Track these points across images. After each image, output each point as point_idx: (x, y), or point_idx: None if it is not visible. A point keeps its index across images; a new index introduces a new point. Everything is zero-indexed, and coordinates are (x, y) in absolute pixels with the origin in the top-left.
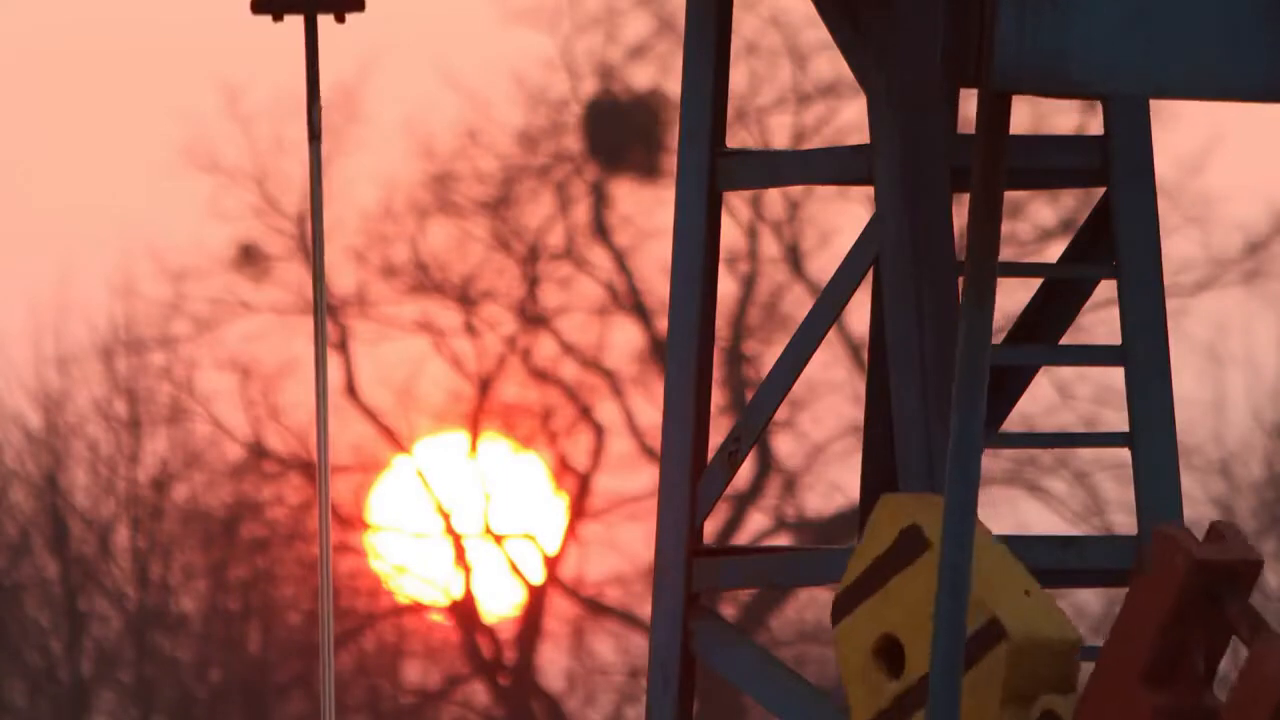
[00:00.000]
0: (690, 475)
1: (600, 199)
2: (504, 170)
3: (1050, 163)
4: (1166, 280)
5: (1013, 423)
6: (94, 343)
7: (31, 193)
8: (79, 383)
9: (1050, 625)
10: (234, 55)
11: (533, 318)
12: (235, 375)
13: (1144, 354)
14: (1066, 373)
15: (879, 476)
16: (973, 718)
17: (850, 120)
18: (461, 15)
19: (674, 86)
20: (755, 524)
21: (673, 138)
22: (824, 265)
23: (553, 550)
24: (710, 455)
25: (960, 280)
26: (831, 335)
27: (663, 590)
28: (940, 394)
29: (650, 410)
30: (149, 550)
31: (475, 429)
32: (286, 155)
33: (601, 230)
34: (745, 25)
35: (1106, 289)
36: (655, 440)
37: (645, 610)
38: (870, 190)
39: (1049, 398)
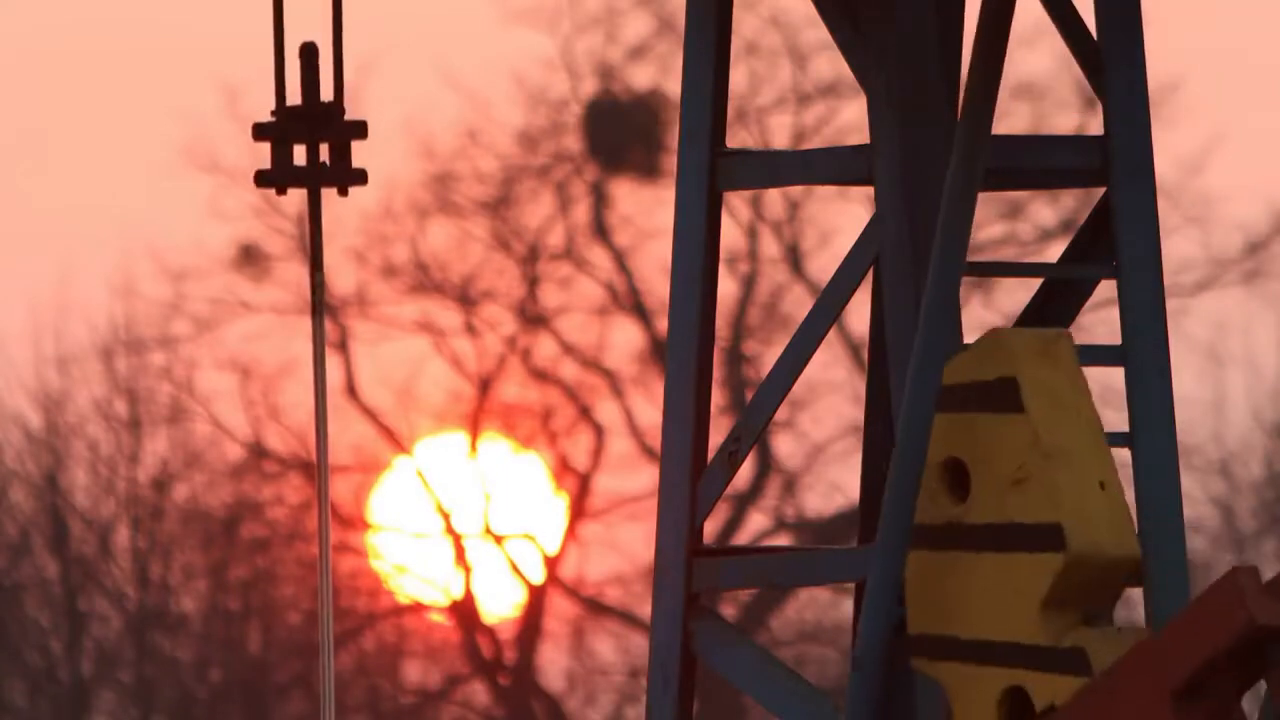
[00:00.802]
0: (690, 475)
1: (600, 199)
2: (504, 170)
3: (1050, 163)
4: (1166, 280)
5: None
6: (94, 343)
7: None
8: (79, 383)
9: (1112, 538)
10: (234, 55)
11: (533, 318)
12: (235, 375)
13: (1144, 354)
14: None
15: (879, 476)
16: (1011, 608)
17: (850, 120)
18: (461, 15)
19: (674, 86)
20: (755, 524)
21: (673, 138)
22: (824, 265)
23: (553, 550)
24: (710, 455)
25: (960, 280)
26: (831, 335)
27: (663, 590)
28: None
29: (650, 410)
30: (149, 550)
31: (475, 429)
32: None
33: (601, 230)
34: (745, 25)
35: (1106, 289)
36: (655, 440)
37: (645, 610)
38: (870, 190)
39: None
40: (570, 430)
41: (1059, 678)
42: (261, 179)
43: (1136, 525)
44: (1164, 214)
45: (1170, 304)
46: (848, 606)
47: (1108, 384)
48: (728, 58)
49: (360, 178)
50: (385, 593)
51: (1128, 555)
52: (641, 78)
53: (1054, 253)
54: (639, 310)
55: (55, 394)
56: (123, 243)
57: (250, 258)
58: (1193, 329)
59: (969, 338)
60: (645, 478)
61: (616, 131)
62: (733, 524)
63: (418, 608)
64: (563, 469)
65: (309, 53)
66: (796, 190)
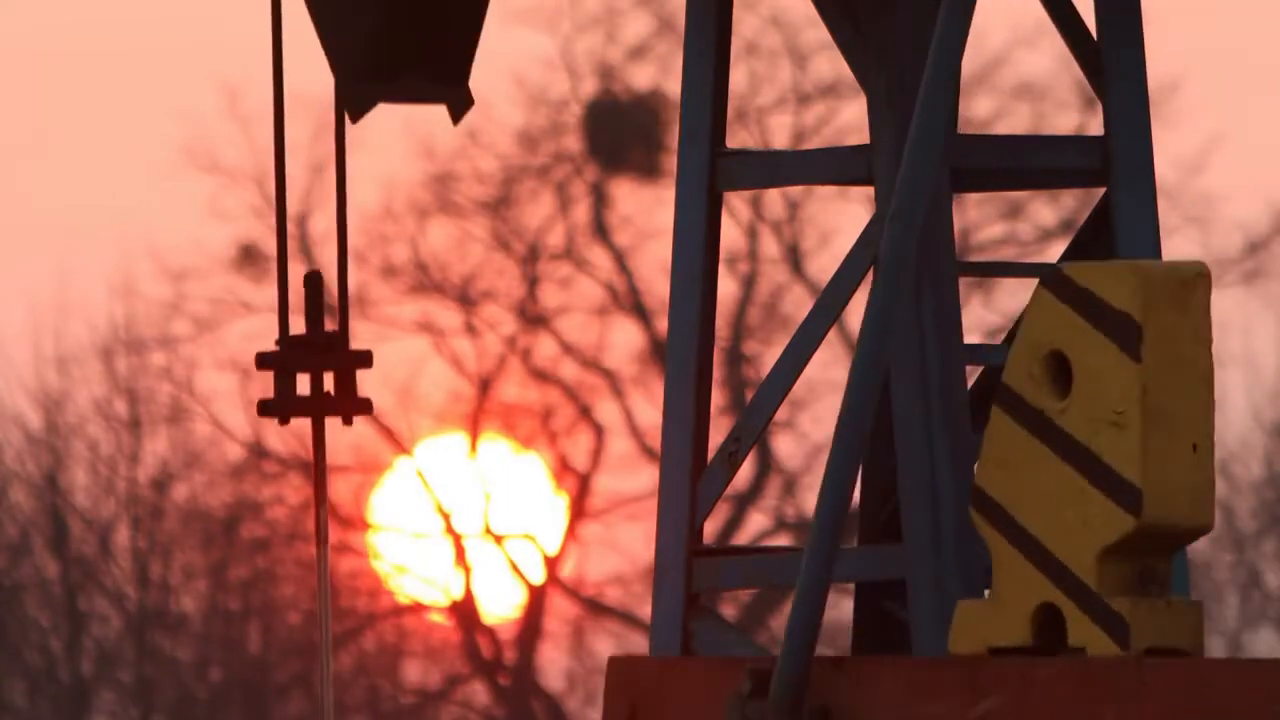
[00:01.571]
0: (690, 475)
1: (600, 199)
2: (504, 170)
3: (1050, 163)
4: None
5: None
6: (94, 343)
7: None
8: (79, 383)
9: (1189, 510)
10: (234, 55)
11: (533, 318)
12: (235, 375)
13: None
14: None
15: (879, 476)
16: (1075, 533)
17: (850, 120)
18: None
19: (674, 86)
20: (755, 524)
21: (673, 138)
22: (824, 265)
23: (553, 550)
24: (710, 455)
25: (960, 280)
26: (831, 335)
27: (663, 590)
28: (941, 395)
29: (650, 410)
30: (149, 550)
31: (475, 429)
32: (287, 155)
33: (601, 230)
34: (745, 25)
35: None
36: (655, 440)
37: (645, 610)
38: (870, 190)
39: None
40: (570, 430)
41: (1098, 632)
42: (264, 408)
43: None
44: (1164, 214)
45: None
46: (847, 606)
47: None
48: (728, 58)
49: (365, 407)
50: (385, 593)
51: (1200, 525)
52: (641, 78)
53: (1054, 253)
54: (639, 310)
55: (55, 394)
56: (123, 243)
57: (250, 258)
58: None
59: (969, 338)
60: (645, 478)
61: (616, 131)
62: (733, 524)
63: (418, 608)
64: (563, 469)
65: (313, 281)
66: (796, 190)
